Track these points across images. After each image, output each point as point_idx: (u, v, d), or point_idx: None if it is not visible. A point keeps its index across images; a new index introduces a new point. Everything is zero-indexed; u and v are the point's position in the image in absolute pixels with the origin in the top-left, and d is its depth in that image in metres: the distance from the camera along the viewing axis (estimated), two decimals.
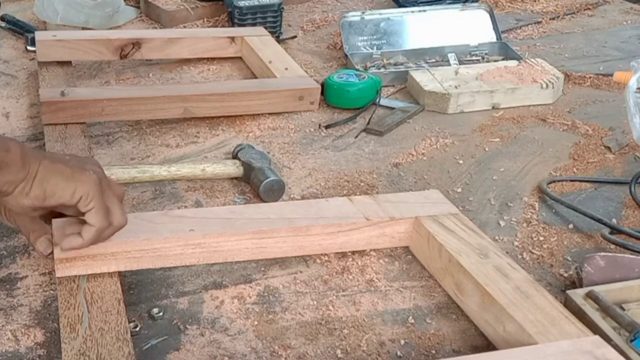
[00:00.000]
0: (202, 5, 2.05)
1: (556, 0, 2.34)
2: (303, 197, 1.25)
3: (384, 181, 1.32)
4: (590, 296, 0.96)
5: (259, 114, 1.52)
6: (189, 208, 1.20)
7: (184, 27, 2.00)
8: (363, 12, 1.86)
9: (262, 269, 1.07)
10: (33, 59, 1.74)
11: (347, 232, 1.08)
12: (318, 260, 1.09)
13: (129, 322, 0.93)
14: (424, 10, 1.89)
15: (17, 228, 1.03)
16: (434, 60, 1.82)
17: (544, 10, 2.26)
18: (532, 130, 1.52)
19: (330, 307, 1.00)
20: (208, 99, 1.47)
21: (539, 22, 2.16)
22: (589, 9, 2.29)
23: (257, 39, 1.78)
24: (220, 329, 0.95)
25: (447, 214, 1.11)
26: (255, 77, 1.71)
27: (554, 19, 2.19)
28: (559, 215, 1.24)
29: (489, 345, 0.95)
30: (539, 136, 1.50)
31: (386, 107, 1.59)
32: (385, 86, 1.67)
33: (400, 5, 2.08)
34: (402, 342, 0.95)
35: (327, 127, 1.50)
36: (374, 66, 1.78)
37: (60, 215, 0.98)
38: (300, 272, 1.07)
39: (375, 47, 1.83)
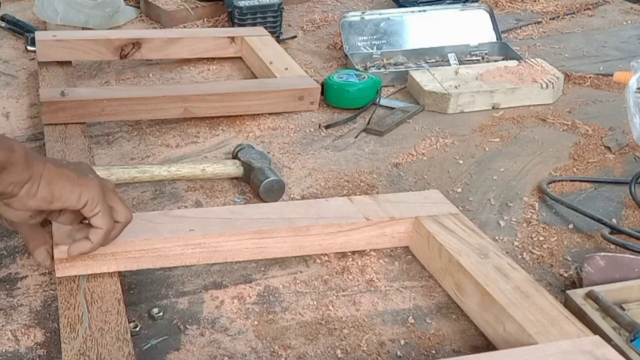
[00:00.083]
0: (202, 5, 2.05)
1: (556, 0, 2.34)
2: (303, 197, 1.25)
3: (384, 181, 1.32)
4: (590, 296, 0.96)
5: (259, 114, 1.52)
6: (189, 208, 1.20)
7: (184, 27, 2.00)
8: (363, 12, 1.86)
9: (262, 269, 1.07)
10: (33, 59, 1.74)
11: (347, 232, 1.08)
12: (318, 260, 1.09)
13: (129, 322, 0.93)
14: (424, 10, 1.89)
15: (16, 230, 1.03)
16: (434, 60, 1.82)
17: (544, 10, 2.26)
18: (532, 130, 1.52)
19: (330, 307, 1.00)
20: (208, 99, 1.47)
21: (539, 22, 2.16)
22: (589, 9, 2.29)
23: (257, 39, 1.78)
24: (220, 329, 0.95)
25: (447, 214, 1.11)
26: (255, 77, 1.71)
27: (554, 19, 2.19)
28: (559, 215, 1.24)
29: (489, 345, 0.95)
30: (539, 136, 1.50)
31: (386, 107, 1.59)
32: (385, 86, 1.67)
33: (400, 5, 2.08)
34: (402, 342, 0.95)
35: (327, 127, 1.50)
36: (374, 66, 1.78)
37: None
38: (300, 272, 1.07)
39: (375, 47, 1.83)
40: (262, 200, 1.22)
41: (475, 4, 1.97)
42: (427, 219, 1.09)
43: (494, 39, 1.88)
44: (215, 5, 2.05)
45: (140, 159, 1.35)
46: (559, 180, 1.33)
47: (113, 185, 1.00)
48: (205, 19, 2.05)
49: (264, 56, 1.69)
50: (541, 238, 1.17)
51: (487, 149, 1.44)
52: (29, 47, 1.80)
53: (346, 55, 1.79)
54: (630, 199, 1.28)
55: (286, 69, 1.63)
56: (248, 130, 1.47)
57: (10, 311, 0.96)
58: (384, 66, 1.78)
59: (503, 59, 1.81)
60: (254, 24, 1.90)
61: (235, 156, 1.31)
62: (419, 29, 1.86)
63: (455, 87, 1.60)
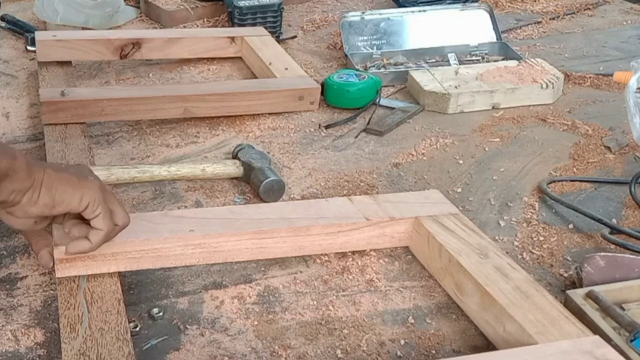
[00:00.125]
0: (202, 5, 2.05)
1: (556, 0, 2.34)
2: (303, 197, 1.25)
3: (384, 181, 1.32)
4: (590, 296, 0.96)
5: (259, 114, 1.52)
6: (189, 208, 1.20)
7: (184, 27, 2.00)
8: (363, 12, 1.86)
9: (262, 269, 1.07)
10: (33, 59, 1.74)
11: (347, 232, 1.08)
12: (318, 260, 1.09)
13: (129, 322, 0.93)
14: (424, 10, 1.89)
15: (18, 231, 1.03)
16: (434, 60, 1.82)
17: (544, 10, 2.26)
18: (532, 130, 1.52)
19: (330, 307, 1.00)
20: (208, 99, 1.47)
21: (539, 22, 2.16)
22: (589, 9, 2.29)
23: (257, 39, 1.78)
24: (220, 329, 0.95)
25: (447, 214, 1.11)
26: (255, 77, 1.71)
27: (554, 19, 2.19)
28: (559, 215, 1.24)
29: (489, 345, 0.95)
30: (539, 136, 1.50)
31: (386, 107, 1.59)
32: (385, 86, 1.67)
33: (400, 5, 2.08)
34: (402, 342, 0.95)
35: (327, 127, 1.50)
36: (374, 66, 1.78)
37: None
38: (300, 272, 1.07)
39: (375, 47, 1.83)
40: (262, 200, 1.22)
41: (475, 4, 1.97)
42: (427, 219, 1.09)
43: (494, 39, 1.88)
44: (215, 5, 2.05)
45: (140, 159, 1.35)
46: (559, 180, 1.33)
47: (110, 188, 1.00)
48: (205, 19, 2.05)
49: (264, 56, 1.69)
50: (541, 238, 1.17)
51: (487, 149, 1.44)
52: (29, 47, 1.80)
53: (346, 55, 1.79)
54: (630, 199, 1.28)
55: (286, 69, 1.63)
56: (248, 130, 1.47)
57: (10, 311, 0.96)
58: (384, 66, 1.78)
59: (503, 59, 1.81)
60: (254, 24, 1.90)
61: (235, 156, 1.31)
62: (419, 29, 1.86)
63: (455, 87, 1.60)
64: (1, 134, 1.43)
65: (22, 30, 1.89)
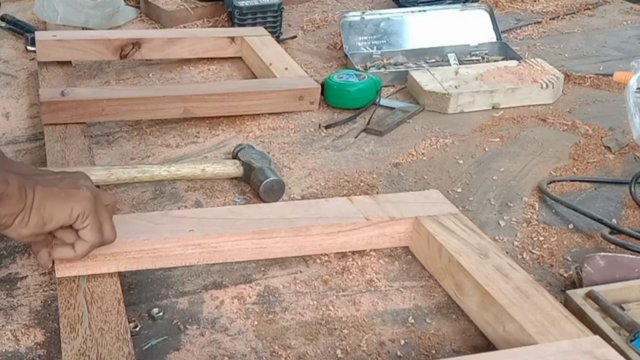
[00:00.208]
0: (202, 5, 2.05)
1: (556, 0, 2.34)
2: (303, 197, 1.25)
3: (384, 181, 1.32)
4: (590, 296, 0.96)
5: (259, 114, 1.52)
6: (189, 208, 1.20)
7: (184, 27, 2.00)
8: (363, 12, 1.86)
9: (262, 269, 1.07)
10: (33, 59, 1.74)
11: (347, 232, 1.08)
12: (318, 260, 1.09)
13: (129, 322, 0.93)
14: (424, 10, 1.89)
15: None
16: (434, 60, 1.82)
17: (544, 10, 2.26)
18: (532, 130, 1.52)
19: (330, 307, 1.00)
20: (208, 99, 1.47)
21: (539, 22, 2.16)
22: (589, 9, 2.28)
23: (257, 39, 1.78)
24: (220, 329, 0.95)
25: (447, 214, 1.11)
26: (255, 77, 1.71)
27: (554, 19, 2.19)
28: (559, 215, 1.24)
29: (489, 345, 0.95)
30: (539, 136, 1.50)
31: (386, 107, 1.59)
32: (385, 86, 1.67)
33: (400, 5, 2.08)
34: (402, 342, 0.95)
35: (327, 127, 1.50)
36: (374, 66, 1.78)
37: None
38: (300, 272, 1.07)
39: (375, 47, 1.83)
40: (262, 200, 1.22)
41: (475, 4, 1.97)
42: (427, 219, 1.09)
43: (494, 39, 1.88)
44: (215, 5, 2.05)
45: (140, 159, 1.35)
46: (559, 180, 1.33)
47: (115, 199, 1.00)
48: (205, 19, 2.05)
49: (264, 56, 1.69)
50: (541, 238, 1.17)
51: (487, 149, 1.44)
52: (29, 47, 1.80)
53: (346, 55, 1.79)
54: (630, 199, 1.28)
55: (286, 69, 1.63)
56: (248, 130, 1.47)
57: (10, 311, 0.96)
58: (384, 66, 1.78)
59: (503, 59, 1.81)
60: (254, 24, 1.90)
61: (235, 156, 1.31)
62: (419, 29, 1.86)
63: (455, 87, 1.60)
64: (1, 134, 1.43)
65: (22, 30, 1.89)
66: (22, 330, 0.93)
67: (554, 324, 0.89)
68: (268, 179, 1.21)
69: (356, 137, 1.47)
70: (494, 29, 1.89)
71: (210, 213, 1.09)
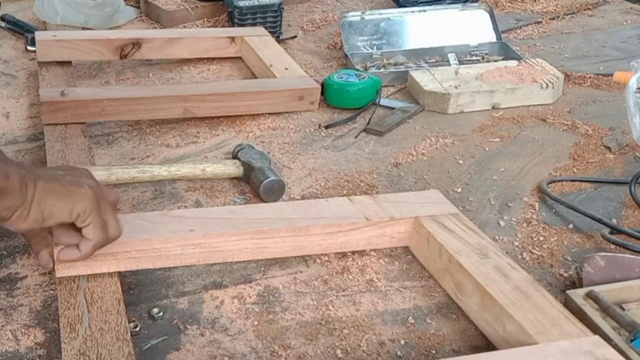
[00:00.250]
0: (202, 5, 2.05)
1: (556, 0, 2.34)
2: (303, 197, 1.25)
3: (384, 181, 1.32)
4: (590, 296, 0.96)
5: (259, 114, 1.52)
6: (189, 208, 1.20)
7: (184, 27, 2.00)
8: (363, 12, 1.86)
9: (262, 269, 1.07)
10: (33, 59, 1.74)
11: (347, 232, 1.08)
12: (318, 260, 1.09)
13: (129, 322, 0.93)
14: (424, 10, 1.89)
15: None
16: (434, 60, 1.82)
17: (544, 10, 2.26)
18: (532, 130, 1.52)
19: (330, 307, 1.00)
20: (208, 99, 1.47)
21: (539, 22, 2.16)
22: (589, 9, 2.29)
23: (257, 39, 1.78)
24: (220, 329, 0.95)
25: (447, 214, 1.11)
26: (255, 77, 1.71)
27: (554, 19, 2.19)
28: (559, 215, 1.24)
29: (489, 345, 0.95)
30: (539, 136, 1.50)
31: (386, 107, 1.59)
32: (385, 86, 1.67)
33: (400, 5, 2.08)
34: (402, 342, 0.95)
35: (327, 127, 1.50)
36: (374, 66, 1.78)
37: None
38: (300, 272, 1.07)
39: (375, 47, 1.83)
40: (262, 200, 1.22)
41: (475, 4, 1.97)
42: (427, 219, 1.09)
43: (494, 39, 1.88)
44: (215, 5, 2.05)
45: (140, 159, 1.35)
46: (559, 180, 1.33)
47: (117, 197, 0.99)
48: (205, 19, 2.05)
49: (264, 56, 1.69)
50: (541, 238, 1.17)
51: (487, 149, 1.44)
52: (29, 47, 1.80)
53: (346, 55, 1.79)
54: (630, 199, 1.28)
55: (286, 69, 1.63)
56: (248, 130, 1.47)
57: (10, 311, 0.96)
58: (384, 66, 1.78)
59: (503, 59, 1.81)
60: (254, 24, 1.90)
61: (235, 156, 1.31)
62: (419, 29, 1.86)
63: (455, 87, 1.60)
64: (1, 133, 1.43)
65: (22, 30, 1.89)
66: (22, 330, 0.93)
67: (554, 324, 0.89)
68: (268, 179, 1.21)
69: (356, 137, 1.47)
70: (494, 29, 1.89)
71: (210, 213, 1.09)
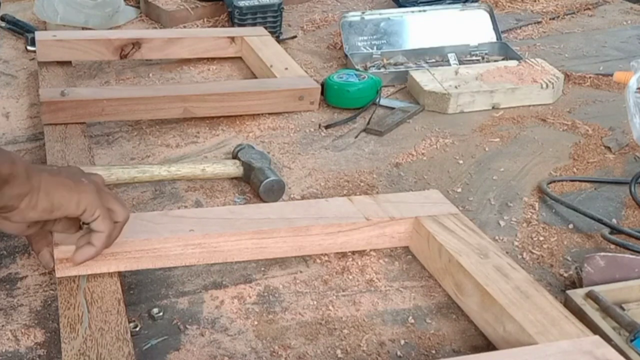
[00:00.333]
0: (202, 5, 2.05)
1: (556, 0, 2.34)
2: (303, 197, 1.25)
3: (384, 181, 1.32)
4: (590, 296, 0.96)
5: (259, 114, 1.52)
6: (189, 208, 1.20)
7: (184, 27, 2.00)
8: (363, 12, 1.86)
9: (262, 269, 1.07)
10: (33, 59, 1.74)
11: (347, 232, 1.08)
12: (318, 260, 1.09)
13: (129, 322, 0.93)
14: (424, 10, 1.89)
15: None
16: (434, 60, 1.82)
17: (544, 10, 2.26)
18: (532, 130, 1.52)
19: (330, 307, 1.00)
20: (208, 99, 1.47)
21: (539, 22, 2.16)
22: (589, 9, 2.29)
23: (257, 39, 1.78)
24: (220, 329, 0.95)
25: (447, 214, 1.11)
26: (255, 77, 1.71)
27: (554, 19, 2.19)
28: (559, 215, 1.24)
29: (489, 345, 0.95)
30: (539, 136, 1.50)
31: (386, 107, 1.59)
32: (385, 86, 1.67)
33: (400, 5, 2.08)
34: (402, 342, 0.95)
35: (327, 127, 1.50)
36: (374, 66, 1.78)
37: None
38: (300, 272, 1.07)
39: (375, 47, 1.83)
40: (262, 200, 1.22)
41: (475, 4, 1.97)
42: (427, 219, 1.09)
43: (494, 39, 1.88)
44: (215, 5, 2.05)
45: (140, 159, 1.35)
46: (559, 180, 1.33)
47: (103, 180, 0.99)
48: (205, 19, 2.05)
49: (264, 56, 1.69)
50: (541, 238, 1.17)
51: (487, 149, 1.44)
52: (29, 47, 1.80)
53: (346, 55, 1.79)
54: (630, 199, 1.28)
55: (286, 69, 1.63)
56: (248, 130, 1.47)
57: (10, 311, 0.96)
58: (384, 66, 1.78)
59: (503, 59, 1.81)
60: (254, 24, 1.90)
61: (235, 156, 1.31)
62: (419, 29, 1.86)
63: (455, 87, 1.60)
64: (1, 133, 1.43)
65: (22, 30, 1.89)
66: (22, 330, 0.93)
67: (554, 324, 0.89)
68: (268, 179, 1.21)
69: (356, 137, 1.47)
70: (494, 29, 1.89)
71: (210, 213, 1.09)
